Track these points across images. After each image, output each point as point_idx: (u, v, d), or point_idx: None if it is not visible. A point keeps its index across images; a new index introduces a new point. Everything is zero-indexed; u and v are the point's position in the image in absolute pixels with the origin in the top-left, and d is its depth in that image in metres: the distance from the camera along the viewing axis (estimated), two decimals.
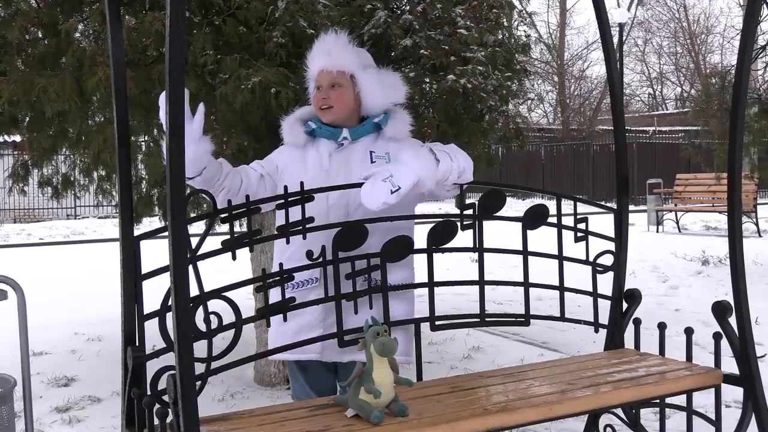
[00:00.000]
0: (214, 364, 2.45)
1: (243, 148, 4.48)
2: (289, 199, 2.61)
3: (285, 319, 2.71)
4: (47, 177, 6.25)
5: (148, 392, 2.38)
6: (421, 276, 2.97)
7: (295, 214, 2.64)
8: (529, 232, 3.06)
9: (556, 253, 3.14)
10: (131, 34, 4.17)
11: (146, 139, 5.62)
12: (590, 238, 3.25)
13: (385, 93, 3.02)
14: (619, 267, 3.43)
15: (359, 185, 2.69)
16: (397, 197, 2.64)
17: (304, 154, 3.00)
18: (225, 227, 2.57)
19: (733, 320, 3.05)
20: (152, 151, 5.40)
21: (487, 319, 3.06)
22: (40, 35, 4.62)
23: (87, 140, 4.94)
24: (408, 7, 5.07)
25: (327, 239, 2.72)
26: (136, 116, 4.76)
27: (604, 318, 3.35)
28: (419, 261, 2.94)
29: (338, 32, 3.04)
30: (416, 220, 2.95)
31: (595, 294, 3.30)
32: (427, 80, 4.96)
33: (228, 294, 2.48)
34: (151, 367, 2.38)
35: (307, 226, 2.64)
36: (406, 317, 2.92)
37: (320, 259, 2.70)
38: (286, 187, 2.65)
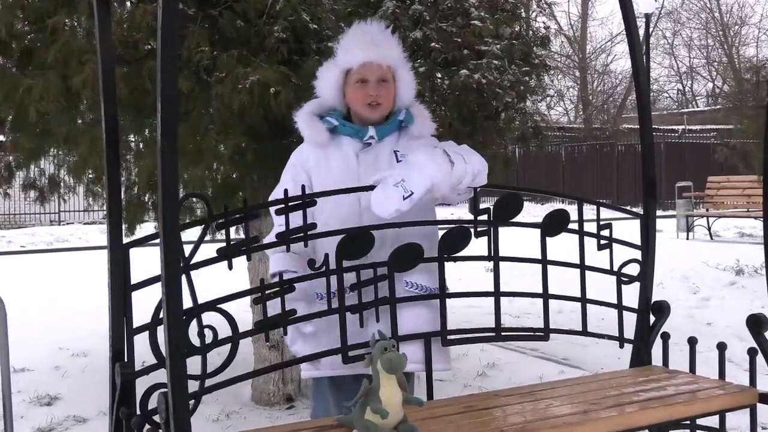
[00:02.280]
0: (209, 382, 2.46)
1: (241, 150, 4.49)
2: (290, 204, 2.62)
3: (285, 333, 2.70)
4: (31, 180, 6.27)
5: (138, 412, 2.38)
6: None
7: (317, 217, 2.65)
8: (548, 239, 3.06)
9: (578, 262, 3.14)
10: (121, 27, 4.18)
11: (136, 138, 5.63)
12: (615, 245, 3.25)
13: (413, 88, 3.09)
14: (645, 277, 3.43)
15: (370, 187, 2.71)
16: (410, 203, 2.65)
17: (327, 154, 3.00)
18: (221, 234, 2.58)
19: None
20: (144, 152, 5.41)
21: (503, 334, 3.06)
22: (26, 29, 4.64)
23: (74, 141, 4.96)
24: None
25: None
26: (127, 115, 4.78)
27: (629, 332, 3.34)
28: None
29: (379, 21, 3.08)
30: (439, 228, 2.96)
31: (619, 306, 3.29)
32: (439, 75, 4.97)
33: (224, 306, 2.48)
34: (141, 384, 2.38)
35: (314, 232, 2.65)
36: (434, 327, 2.93)
37: (323, 269, 2.70)
38: (285, 192, 2.65)
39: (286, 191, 2.68)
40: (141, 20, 4.12)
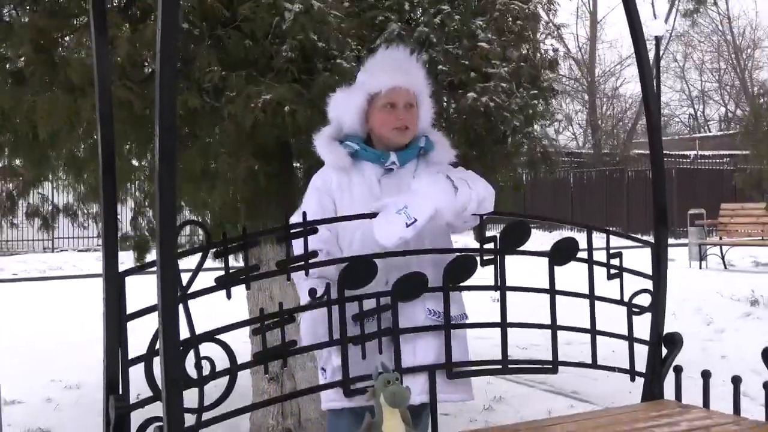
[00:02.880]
0: (206, 415, 2.45)
1: (254, 173, 4.49)
2: (291, 231, 2.62)
3: (285, 365, 2.69)
4: (35, 206, 6.27)
5: None
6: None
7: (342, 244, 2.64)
8: (556, 268, 3.05)
9: (587, 292, 3.13)
10: (131, 45, 4.18)
11: (141, 163, 5.65)
12: (625, 275, 3.24)
13: (430, 115, 3.16)
14: (657, 308, 3.42)
15: (372, 215, 2.71)
16: (413, 230, 2.66)
17: (349, 179, 3.02)
18: (220, 262, 2.58)
19: None
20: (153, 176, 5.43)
21: (510, 366, 3.05)
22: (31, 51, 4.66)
23: (78, 167, 4.96)
24: (424, 19, 5.11)
25: (389, 271, 2.79)
26: (134, 138, 4.79)
27: (641, 365, 3.33)
28: None
29: (406, 47, 3.18)
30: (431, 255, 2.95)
31: (630, 338, 3.28)
32: (446, 99, 4.99)
33: (222, 337, 2.48)
34: (136, 418, 2.37)
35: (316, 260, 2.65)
36: (461, 358, 2.96)
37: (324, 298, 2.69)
38: (305, 214, 2.65)
39: (304, 214, 2.69)
40: (151, 37, 4.13)
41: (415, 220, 2.66)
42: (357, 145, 3.03)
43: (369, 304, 2.75)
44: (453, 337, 2.92)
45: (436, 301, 2.92)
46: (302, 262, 2.64)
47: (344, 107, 3.09)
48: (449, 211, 2.74)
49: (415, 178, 2.95)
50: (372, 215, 2.78)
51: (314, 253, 2.66)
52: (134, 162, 5.62)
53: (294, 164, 5.14)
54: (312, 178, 3.15)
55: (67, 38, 4.68)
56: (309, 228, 2.65)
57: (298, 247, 2.74)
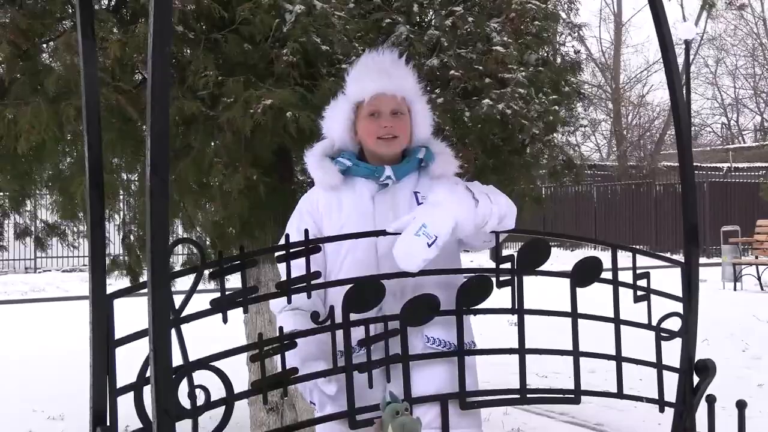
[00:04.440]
0: None
1: (251, 184, 4.50)
2: (291, 251, 2.61)
3: (285, 394, 2.69)
4: (23, 226, 6.29)
5: None
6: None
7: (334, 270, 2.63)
8: (579, 290, 3.05)
9: (612, 315, 3.13)
10: (120, 47, 4.19)
11: (128, 177, 5.67)
12: (653, 297, 3.23)
13: (429, 122, 3.11)
14: (688, 332, 3.40)
15: (381, 232, 2.71)
16: (436, 250, 2.65)
17: (339, 198, 3.01)
18: (215, 283, 2.58)
19: None
20: (144, 191, 5.44)
21: (529, 396, 3.04)
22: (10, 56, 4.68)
23: (66, 181, 4.97)
24: (435, 21, 5.13)
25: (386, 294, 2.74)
26: (125, 150, 4.81)
27: (670, 395, 3.32)
28: None
29: (392, 50, 3.11)
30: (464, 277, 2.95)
31: (659, 365, 3.27)
32: (459, 106, 4.99)
33: (218, 364, 2.48)
34: None
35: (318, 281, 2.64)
36: (471, 387, 2.91)
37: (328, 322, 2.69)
38: (287, 237, 2.65)
39: (287, 236, 2.69)
40: (142, 41, 4.14)
41: (436, 238, 2.65)
42: (349, 160, 3.01)
43: (358, 332, 2.73)
44: (451, 366, 2.88)
45: (437, 328, 2.89)
46: (304, 284, 2.63)
47: (333, 120, 3.09)
48: (469, 222, 2.72)
49: (427, 194, 2.94)
50: (367, 234, 2.76)
51: (316, 274, 2.65)
52: (123, 175, 5.64)
53: (296, 177, 5.14)
54: (300, 200, 3.15)
55: (51, 42, 4.70)
56: (312, 247, 2.65)
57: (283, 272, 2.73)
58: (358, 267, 2.85)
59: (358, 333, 2.71)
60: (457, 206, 2.70)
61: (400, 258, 2.67)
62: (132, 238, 5.91)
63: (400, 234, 2.71)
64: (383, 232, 2.74)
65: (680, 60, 27.14)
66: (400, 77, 3.03)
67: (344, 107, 3.07)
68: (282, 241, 2.76)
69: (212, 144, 4.66)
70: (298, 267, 2.63)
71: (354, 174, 3.02)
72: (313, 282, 2.63)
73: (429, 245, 2.64)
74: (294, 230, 2.99)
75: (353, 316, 2.69)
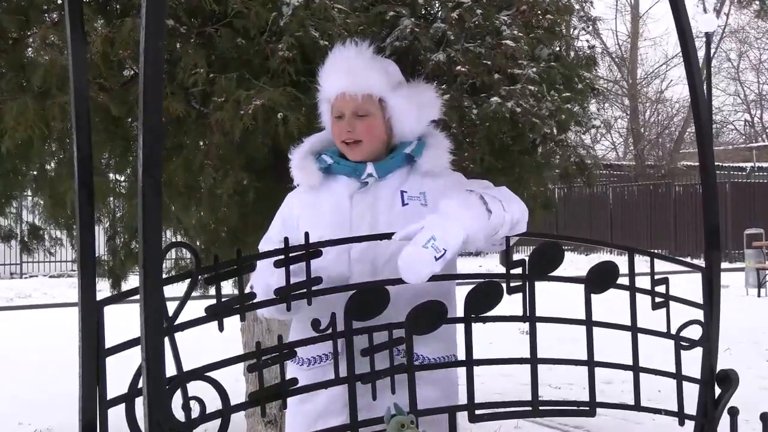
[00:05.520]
0: None
1: (241, 189, 4.50)
2: (291, 255, 2.61)
3: (284, 406, 2.69)
4: (8, 228, 6.30)
5: None
6: (458, 352, 2.96)
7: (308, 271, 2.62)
8: (594, 296, 3.05)
9: (629, 323, 3.13)
10: (106, 43, 4.20)
11: (116, 177, 5.67)
12: (672, 304, 3.23)
13: (420, 114, 3.03)
14: (709, 341, 3.40)
15: (387, 236, 2.69)
16: (442, 263, 2.62)
17: (318, 198, 3.01)
18: (211, 289, 2.58)
19: None
20: (129, 193, 5.44)
21: (541, 408, 3.04)
22: None
23: (53, 181, 4.98)
24: (441, 14, 5.13)
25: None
26: (113, 150, 4.81)
27: (691, 407, 3.31)
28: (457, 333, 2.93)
29: (359, 43, 3.03)
30: (456, 282, 2.95)
31: (679, 376, 3.27)
32: (466, 103, 5.00)
33: (213, 374, 2.48)
34: None
35: (315, 288, 2.64)
36: (441, 404, 2.88)
37: (329, 330, 2.68)
38: (286, 240, 2.64)
39: (286, 240, 2.68)
40: (129, 36, 4.14)
41: (445, 252, 2.61)
42: (331, 158, 3.01)
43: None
44: (430, 380, 2.86)
45: (421, 344, 2.83)
46: (304, 290, 2.63)
47: (323, 116, 3.11)
48: (481, 236, 2.68)
49: (415, 193, 2.93)
50: (350, 239, 2.74)
51: (317, 280, 2.64)
52: (111, 176, 5.65)
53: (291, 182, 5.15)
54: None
55: (36, 37, 4.71)
56: (312, 251, 2.65)
57: (255, 281, 2.73)
58: (330, 269, 2.80)
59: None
60: (470, 219, 2.66)
61: (404, 269, 2.63)
62: (118, 240, 5.92)
63: (386, 239, 2.69)
64: (388, 236, 2.71)
65: (701, 54, 27.13)
66: (362, 74, 2.97)
67: (323, 105, 3.09)
68: (261, 245, 2.76)
69: (203, 144, 4.66)
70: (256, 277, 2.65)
71: (335, 172, 3.01)
72: (314, 288, 2.63)
73: (436, 258, 2.60)
74: (266, 238, 3.05)
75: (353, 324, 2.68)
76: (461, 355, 2.92)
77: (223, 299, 2.50)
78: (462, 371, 2.92)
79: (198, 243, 5.47)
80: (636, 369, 3.16)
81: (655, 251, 3.40)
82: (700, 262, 3.52)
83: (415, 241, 2.62)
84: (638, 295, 3.13)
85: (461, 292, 2.87)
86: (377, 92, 2.98)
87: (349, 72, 2.98)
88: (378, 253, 2.88)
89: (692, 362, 3.30)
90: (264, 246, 3.06)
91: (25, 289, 20.30)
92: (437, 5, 5.38)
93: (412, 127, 3.02)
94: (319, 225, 2.86)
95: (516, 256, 2.93)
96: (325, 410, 2.88)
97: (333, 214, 2.94)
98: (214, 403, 2.43)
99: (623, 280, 3.09)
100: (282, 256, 2.60)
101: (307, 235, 2.64)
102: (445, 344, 2.98)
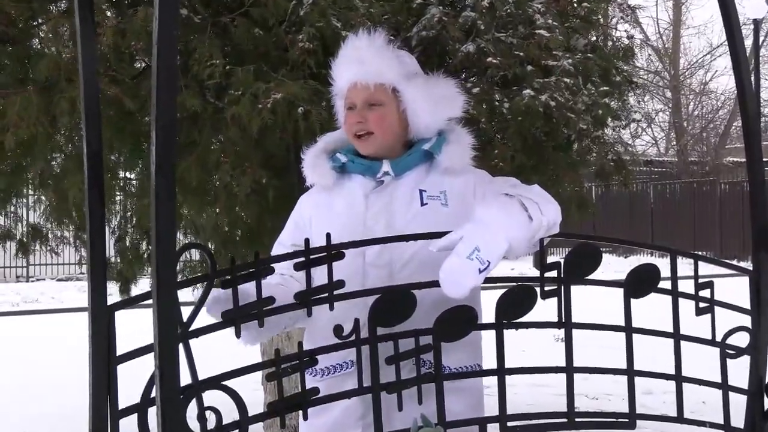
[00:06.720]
0: None
1: (260, 187, 4.50)
2: (312, 257, 2.61)
3: (305, 417, 2.70)
4: (6, 228, 6.33)
5: None
6: (488, 361, 2.96)
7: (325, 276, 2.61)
8: (633, 301, 3.04)
9: (671, 330, 3.12)
10: (117, 34, 4.21)
11: (126, 175, 5.70)
12: (717, 309, 3.22)
13: (437, 108, 3.00)
14: (757, 349, 3.39)
15: (403, 237, 2.69)
16: (485, 276, 2.61)
17: (332, 198, 3.00)
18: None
19: None
20: (139, 191, 5.46)
21: (577, 420, 3.03)
22: None
23: (58, 177, 5.00)
24: (470, 2, 5.12)
25: (364, 310, 2.65)
26: (124, 146, 4.83)
27: (737, 419, 3.30)
28: (486, 341, 2.92)
29: (372, 32, 3.00)
30: (481, 285, 2.94)
31: (725, 386, 3.26)
32: (497, 97, 4.99)
33: (230, 383, 2.49)
34: None
35: (336, 292, 2.64)
36: (468, 416, 2.88)
37: (353, 337, 2.68)
38: (307, 241, 2.63)
39: (307, 241, 2.68)
40: (142, 27, 4.14)
41: (489, 263, 2.59)
42: (344, 156, 3.00)
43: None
44: (457, 390, 2.86)
45: (447, 353, 2.79)
46: (326, 294, 2.64)
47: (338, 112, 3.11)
48: (523, 246, 2.68)
49: (434, 192, 2.92)
50: (371, 241, 2.72)
51: (340, 283, 2.63)
52: (120, 174, 5.67)
53: None
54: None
55: (44, 27, 4.74)
56: (334, 253, 2.65)
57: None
58: (343, 273, 2.79)
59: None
60: (512, 229, 2.65)
61: (447, 281, 2.59)
62: (127, 241, 5.94)
63: (433, 249, 2.67)
64: (403, 237, 2.69)
65: (748, 42, 26.83)
66: (375, 62, 2.95)
67: (337, 99, 3.08)
68: (274, 250, 2.76)
69: (219, 140, 4.67)
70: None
71: (350, 171, 3.00)
72: (335, 292, 2.63)
73: (480, 271, 2.58)
74: (278, 243, 3.06)
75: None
76: (486, 365, 2.92)
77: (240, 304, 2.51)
78: (489, 381, 2.92)
79: (211, 244, 5.48)
80: (679, 378, 3.15)
81: (699, 253, 3.39)
82: (748, 264, 3.50)
83: (457, 252, 2.59)
84: (681, 300, 3.11)
85: (486, 296, 2.86)
86: (390, 81, 2.96)
87: (360, 61, 2.97)
88: (394, 257, 2.87)
89: (739, 371, 3.29)
90: (276, 251, 3.05)
91: (31, 293, 20.39)
92: None
93: (427, 122, 2.99)
94: (332, 227, 2.79)
95: (550, 259, 2.92)
96: (340, 423, 2.87)
97: (346, 215, 2.94)
98: (231, 414, 2.44)
99: (665, 284, 3.08)
100: (303, 258, 2.60)
101: (329, 236, 2.61)
102: (470, 353, 2.97)
